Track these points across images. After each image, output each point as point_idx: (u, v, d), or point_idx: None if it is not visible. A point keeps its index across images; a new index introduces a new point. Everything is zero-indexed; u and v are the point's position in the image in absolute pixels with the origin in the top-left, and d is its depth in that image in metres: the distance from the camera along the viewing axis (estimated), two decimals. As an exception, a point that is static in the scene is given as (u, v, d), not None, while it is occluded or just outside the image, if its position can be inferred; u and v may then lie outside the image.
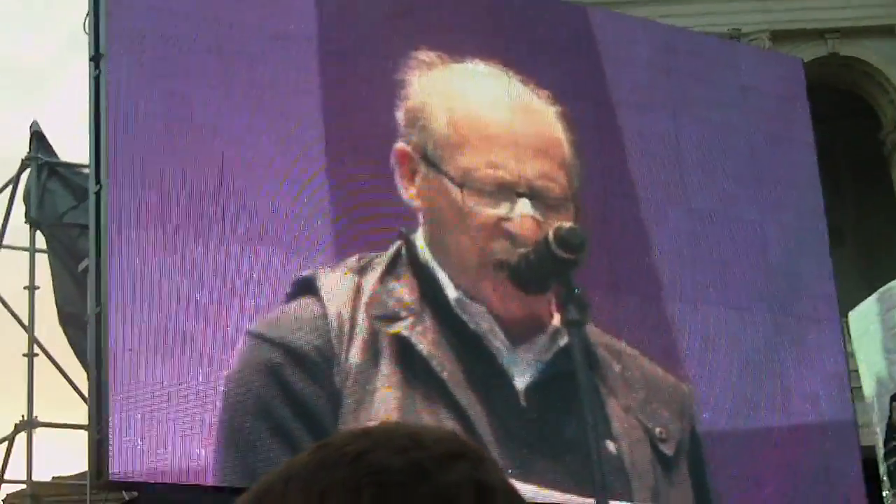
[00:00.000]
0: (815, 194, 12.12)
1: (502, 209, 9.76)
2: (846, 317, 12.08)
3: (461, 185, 9.71)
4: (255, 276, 8.98)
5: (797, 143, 12.26)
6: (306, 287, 9.02)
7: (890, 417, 11.23)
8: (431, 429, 0.97)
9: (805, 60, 14.58)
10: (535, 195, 9.90)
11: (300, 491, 0.91)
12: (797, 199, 12.04)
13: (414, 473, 0.90)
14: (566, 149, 10.36)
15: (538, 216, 9.82)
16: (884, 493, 11.38)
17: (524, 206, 9.81)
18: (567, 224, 9.95)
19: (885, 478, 11.37)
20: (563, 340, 9.74)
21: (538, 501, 9.27)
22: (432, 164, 9.75)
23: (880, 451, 11.41)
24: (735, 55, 12.65)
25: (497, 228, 9.69)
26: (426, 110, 9.87)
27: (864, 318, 11.76)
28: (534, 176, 9.97)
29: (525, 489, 9.20)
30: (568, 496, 9.44)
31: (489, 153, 9.90)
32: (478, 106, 10.18)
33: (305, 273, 9.08)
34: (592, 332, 10.11)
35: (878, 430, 11.42)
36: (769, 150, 12.03)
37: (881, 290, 11.71)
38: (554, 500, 9.37)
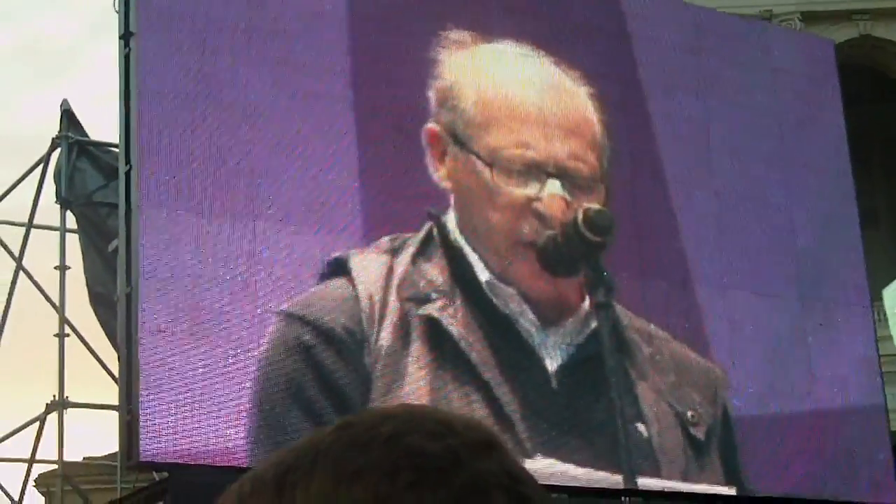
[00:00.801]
0: (845, 178, 12.05)
1: (531, 189, 9.73)
2: (879, 299, 12.01)
3: (490, 165, 9.69)
4: (284, 255, 8.97)
5: (827, 126, 12.19)
6: (339, 268, 9.02)
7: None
8: (458, 415, 0.97)
9: (837, 42, 14.49)
10: (564, 175, 9.87)
11: (330, 469, 0.91)
12: (827, 183, 11.97)
13: (451, 460, 0.90)
14: (597, 129, 10.32)
15: (567, 196, 9.79)
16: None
17: (553, 187, 9.77)
18: (596, 206, 9.92)
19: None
20: (595, 323, 9.73)
21: (563, 479, 9.27)
22: (462, 143, 9.73)
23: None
24: (766, 37, 12.56)
25: (526, 208, 9.67)
26: (456, 90, 9.85)
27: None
28: (563, 156, 9.94)
29: (553, 466, 9.21)
30: (596, 472, 9.43)
31: (518, 133, 9.87)
32: (508, 85, 10.14)
33: (338, 254, 9.08)
34: (623, 314, 10.09)
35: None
36: (799, 133, 11.96)
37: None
38: (582, 476, 9.36)
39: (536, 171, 9.79)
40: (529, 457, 9.10)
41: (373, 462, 0.89)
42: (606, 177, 10.24)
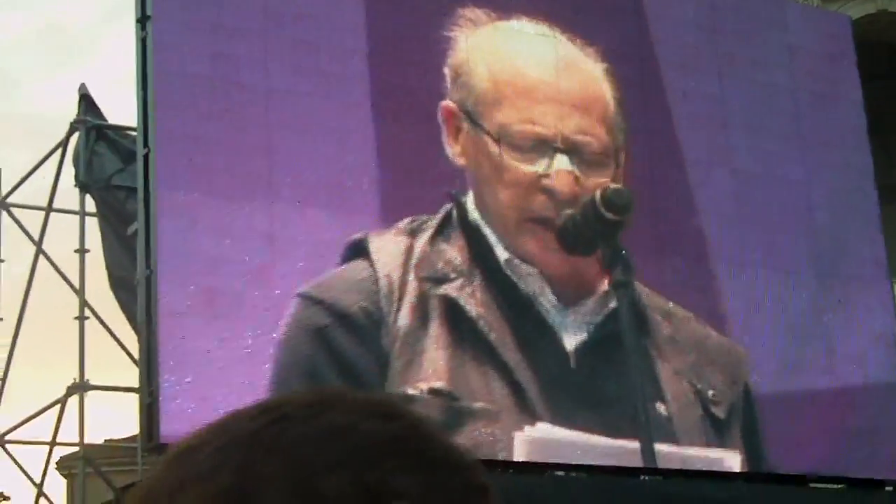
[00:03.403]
0: (863, 154, 12.01)
1: (540, 165, 9.70)
2: (896, 276, 11.99)
3: (498, 141, 9.68)
4: (302, 237, 8.99)
5: (845, 103, 12.15)
6: (358, 250, 9.03)
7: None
8: (365, 394, 0.94)
9: (854, 18, 14.41)
10: (572, 150, 9.83)
11: (294, 466, 0.86)
12: (844, 160, 11.94)
13: (419, 438, 0.91)
14: (610, 105, 10.28)
15: (576, 171, 9.77)
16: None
17: (562, 162, 9.74)
18: (614, 185, 9.91)
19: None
20: (614, 302, 9.72)
21: (584, 450, 9.29)
22: (473, 120, 9.73)
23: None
24: (782, 13, 12.50)
25: (535, 184, 9.64)
26: (468, 66, 9.84)
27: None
28: (571, 131, 9.90)
29: (570, 435, 9.22)
30: (614, 441, 9.43)
31: (527, 108, 9.85)
32: (520, 62, 10.12)
33: (358, 236, 9.10)
34: (644, 293, 10.09)
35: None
36: (816, 109, 11.92)
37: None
38: (593, 445, 9.36)
39: (544, 146, 9.77)
40: (539, 423, 9.12)
41: (346, 451, 0.87)
42: (619, 153, 10.21)
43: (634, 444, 9.48)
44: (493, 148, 9.65)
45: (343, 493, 0.85)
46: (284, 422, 0.89)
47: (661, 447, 9.57)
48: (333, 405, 0.90)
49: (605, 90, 10.31)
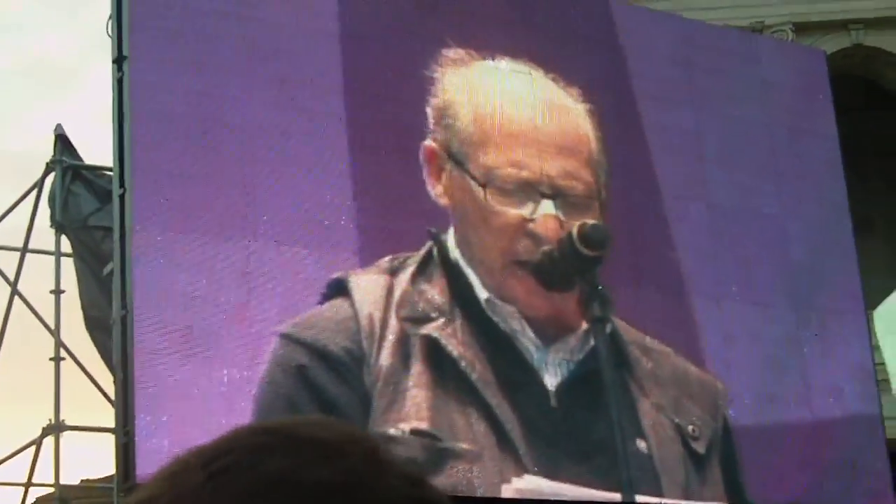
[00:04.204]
0: (838, 187, 12.06)
1: (525, 210, 9.72)
2: (874, 307, 12.01)
3: (484, 185, 9.69)
4: (280, 275, 8.96)
5: (820, 137, 12.20)
6: (338, 289, 9.01)
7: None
8: (319, 424, 0.94)
9: (829, 52, 14.52)
10: (558, 194, 9.85)
11: None
12: (820, 193, 11.99)
13: (353, 483, 0.89)
14: (593, 146, 10.32)
15: (561, 216, 9.79)
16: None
17: (547, 207, 9.77)
18: (591, 221, 9.92)
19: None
20: (594, 338, 9.72)
21: (564, 498, 9.29)
22: (457, 162, 9.73)
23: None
24: (756, 48, 12.59)
25: (520, 229, 9.66)
26: (453, 108, 9.85)
27: (891, 313, 11.70)
28: (557, 174, 9.93)
29: (550, 486, 9.21)
30: (593, 492, 9.44)
31: (512, 151, 9.86)
32: (503, 103, 10.13)
33: (338, 274, 9.08)
34: (624, 329, 10.09)
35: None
36: (791, 143, 11.98)
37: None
38: (579, 497, 9.37)
39: (530, 190, 9.78)
40: (527, 475, 9.12)
41: None
42: (602, 194, 10.24)
43: (616, 496, 9.48)
44: (479, 191, 9.66)
45: None
46: (226, 475, 0.88)
47: (642, 499, 9.56)
48: (276, 449, 0.89)
49: (587, 130, 10.34)
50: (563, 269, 9.72)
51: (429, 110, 9.80)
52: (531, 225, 9.67)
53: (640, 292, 10.47)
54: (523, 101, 10.20)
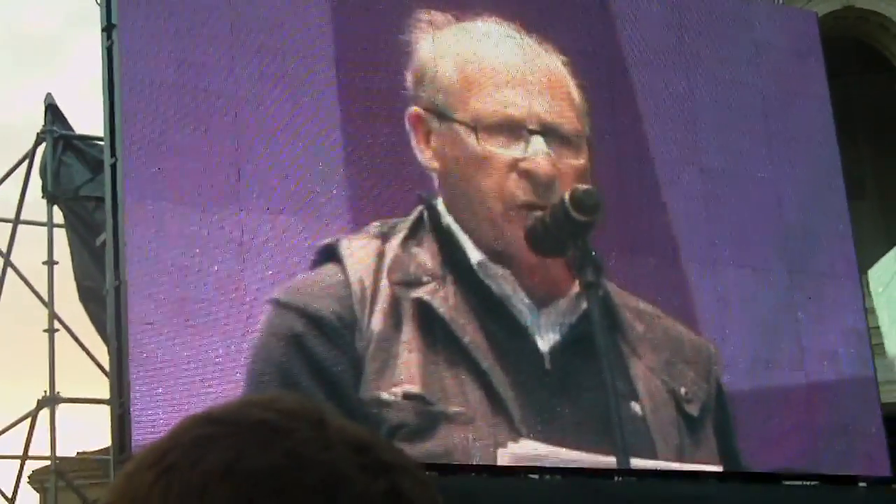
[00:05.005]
0: (831, 150, 12.05)
1: (517, 150, 9.74)
2: (867, 272, 12.02)
3: (474, 128, 9.70)
4: (273, 243, 8.96)
5: (812, 99, 12.18)
6: (329, 254, 9.02)
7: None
8: (268, 400, 0.94)
9: (820, 14, 14.47)
10: (547, 131, 9.89)
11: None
12: (812, 156, 11.97)
13: (296, 464, 0.89)
14: (574, 92, 10.34)
15: (552, 153, 9.81)
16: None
17: (538, 143, 9.80)
18: (583, 186, 9.93)
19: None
20: (587, 303, 9.74)
21: (559, 462, 9.31)
22: (444, 115, 9.73)
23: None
24: (748, 11, 12.53)
25: (514, 169, 9.68)
26: (434, 64, 9.84)
27: (885, 273, 11.72)
28: (543, 111, 9.97)
29: (546, 450, 9.23)
30: (589, 455, 9.46)
31: (498, 93, 9.89)
32: (486, 51, 10.14)
33: (328, 241, 9.08)
34: (615, 293, 10.10)
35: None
36: (783, 106, 11.95)
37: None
38: (574, 460, 9.40)
39: (519, 128, 9.81)
40: (522, 439, 9.14)
41: (224, 498, 0.87)
42: (588, 134, 10.25)
43: (611, 459, 9.51)
44: (469, 137, 9.66)
45: None
46: (171, 473, 0.90)
47: (637, 461, 9.59)
48: (219, 440, 0.90)
49: (567, 79, 10.36)
50: (556, 234, 9.71)
51: (408, 74, 9.79)
52: (523, 164, 9.67)
53: (634, 258, 10.47)
54: (505, 51, 10.20)
